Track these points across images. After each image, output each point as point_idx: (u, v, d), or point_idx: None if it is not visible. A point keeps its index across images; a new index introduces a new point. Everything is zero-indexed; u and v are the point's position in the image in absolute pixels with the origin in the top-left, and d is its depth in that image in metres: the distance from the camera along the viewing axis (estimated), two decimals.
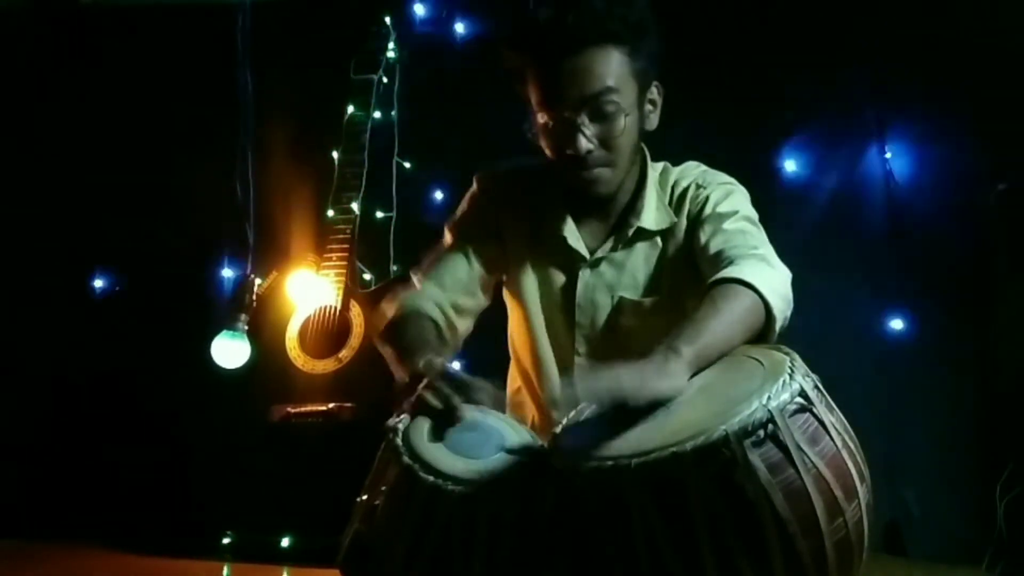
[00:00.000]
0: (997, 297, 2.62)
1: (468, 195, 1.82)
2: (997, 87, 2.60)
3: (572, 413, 1.36)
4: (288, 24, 3.13)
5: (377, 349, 1.72)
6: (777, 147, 2.85)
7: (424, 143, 3.02)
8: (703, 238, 1.61)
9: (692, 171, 1.74)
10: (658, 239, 1.70)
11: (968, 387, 2.65)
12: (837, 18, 2.78)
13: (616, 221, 1.71)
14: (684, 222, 1.68)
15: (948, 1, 2.71)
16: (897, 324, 2.73)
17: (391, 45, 3.00)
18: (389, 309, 1.72)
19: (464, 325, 1.74)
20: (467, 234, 1.76)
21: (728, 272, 1.45)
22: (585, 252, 1.70)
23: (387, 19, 3.01)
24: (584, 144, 1.55)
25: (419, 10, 3.15)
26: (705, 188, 1.67)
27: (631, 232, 1.68)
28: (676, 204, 1.70)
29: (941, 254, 2.67)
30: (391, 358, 1.64)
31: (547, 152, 1.63)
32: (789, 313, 1.47)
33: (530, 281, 1.74)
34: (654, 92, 1.66)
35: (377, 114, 2.92)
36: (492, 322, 1.86)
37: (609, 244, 1.70)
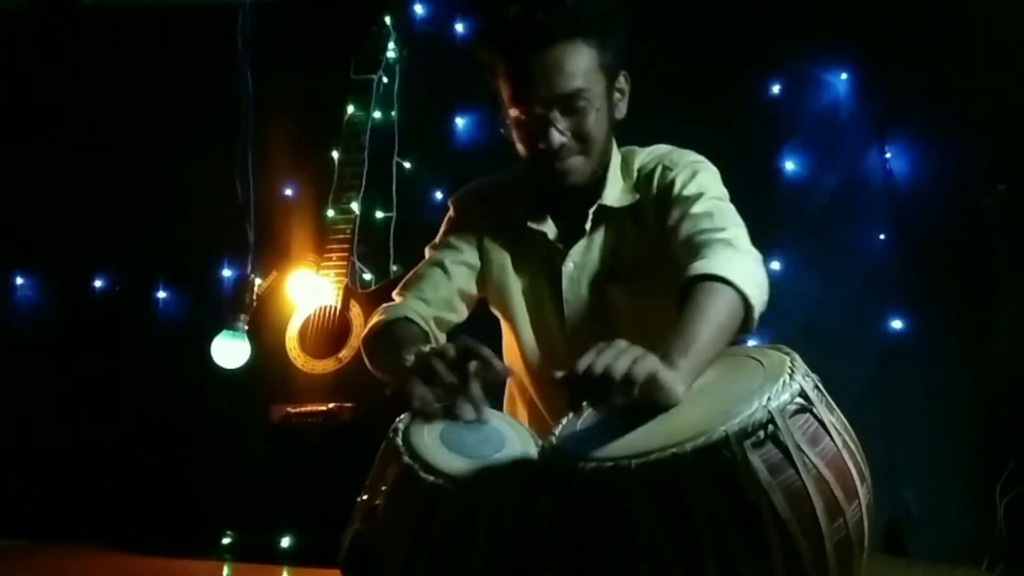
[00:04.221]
0: (997, 297, 2.62)
1: (446, 219, 1.83)
2: (997, 87, 2.60)
3: (572, 414, 1.36)
4: (288, 24, 3.13)
5: None
6: (777, 147, 2.85)
7: (424, 143, 3.02)
8: (671, 222, 1.60)
9: (658, 152, 1.73)
10: (630, 222, 1.69)
11: (968, 387, 2.65)
12: (837, 17, 2.79)
13: (578, 199, 1.71)
14: (652, 203, 1.67)
15: (948, 2, 2.71)
16: (897, 324, 2.73)
17: (391, 45, 3.00)
18: (372, 320, 1.72)
19: (443, 339, 1.74)
20: (447, 251, 1.77)
21: (700, 267, 1.43)
22: (562, 247, 1.71)
23: (387, 19, 3.01)
24: (557, 138, 1.56)
25: (419, 10, 3.16)
26: (671, 169, 1.67)
27: (592, 211, 1.68)
28: (644, 185, 1.69)
29: (941, 254, 2.67)
30: (379, 360, 1.64)
31: (518, 146, 1.64)
32: (767, 297, 1.45)
33: (515, 287, 1.76)
34: (622, 81, 1.67)
35: (377, 114, 2.92)
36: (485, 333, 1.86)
37: (580, 232, 1.70)
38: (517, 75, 1.57)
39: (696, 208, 1.58)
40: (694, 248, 1.50)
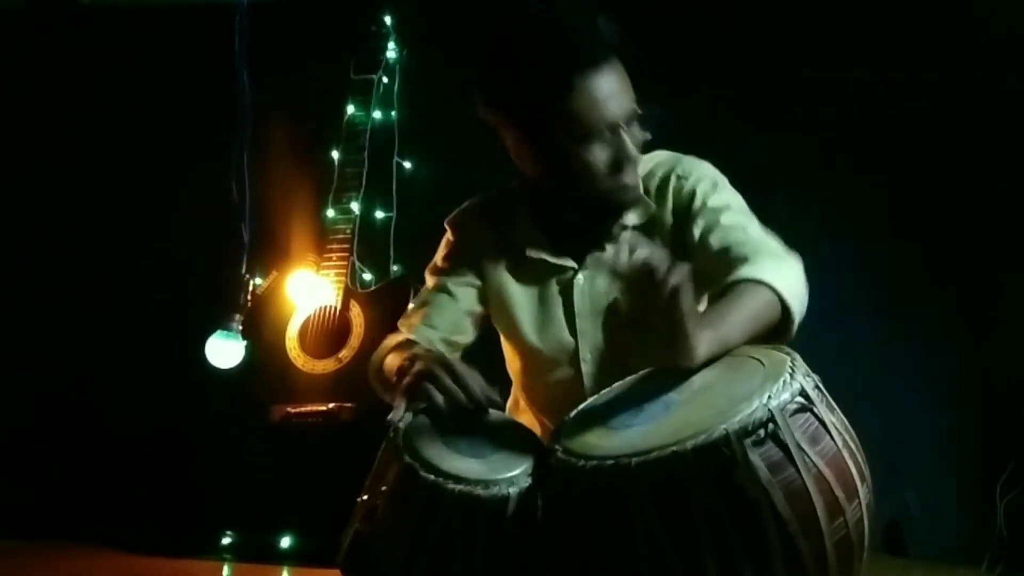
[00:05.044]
0: (997, 297, 2.62)
1: (443, 241, 1.81)
2: (997, 87, 2.61)
3: (574, 412, 1.36)
4: (287, 24, 3.13)
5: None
6: (774, 142, 2.85)
7: (424, 143, 3.02)
8: (697, 233, 1.60)
9: (665, 160, 1.72)
10: (643, 233, 1.67)
11: (968, 387, 2.65)
12: (839, 19, 2.79)
13: (601, 221, 1.69)
14: (668, 215, 1.66)
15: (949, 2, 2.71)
16: (896, 324, 2.73)
17: (391, 45, 3.00)
18: (380, 351, 1.70)
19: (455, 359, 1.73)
20: (448, 274, 1.76)
21: (747, 272, 1.45)
22: (572, 263, 1.69)
23: (387, 19, 3.01)
24: (630, 150, 1.56)
25: (419, 10, 3.16)
26: (687, 179, 1.66)
27: (618, 231, 1.67)
28: (656, 195, 1.68)
29: (941, 254, 2.67)
30: (385, 382, 1.62)
31: (574, 177, 1.58)
32: (805, 308, 1.47)
33: (520, 302, 1.73)
34: None
35: (377, 114, 2.92)
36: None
37: (596, 250, 1.69)
38: (584, 102, 1.52)
39: (726, 220, 1.58)
40: (735, 258, 1.51)
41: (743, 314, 1.38)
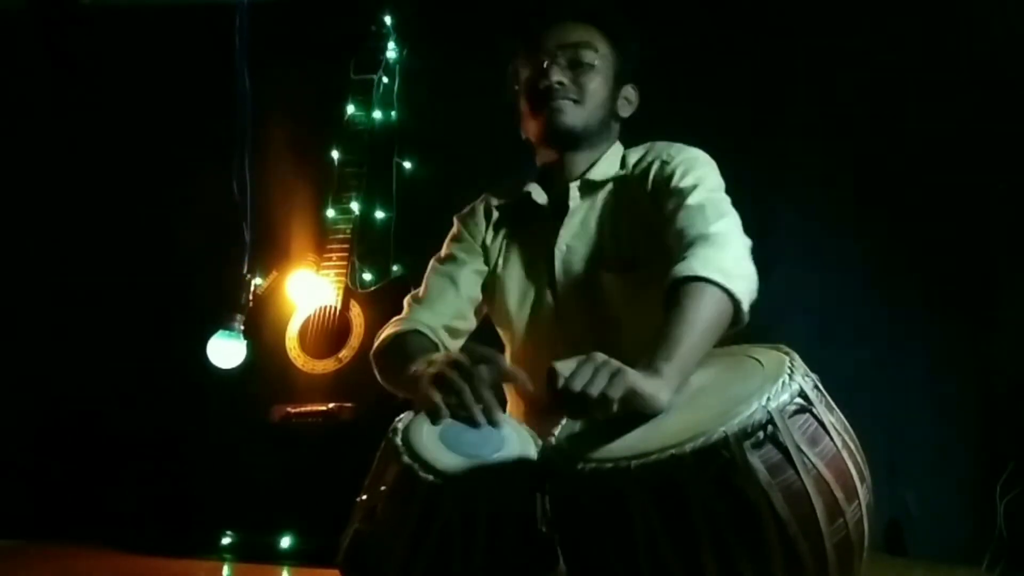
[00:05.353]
0: (997, 297, 2.62)
1: (450, 234, 1.88)
2: (998, 87, 2.60)
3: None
4: (287, 24, 3.13)
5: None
6: (774, 143, 2.85)
7: (424, 143, 3.02)
8: (666, 214, 1.62)
9: (659, 147, 1.77)
10: (620, 206, 1.73)
11: (968, 387, 2.65)
12: (837, 16, 2.79)
13: (567, 169, 1.80)
14: (643, 192, 1.71)
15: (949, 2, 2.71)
16: (896, 324, 2.73)
17: (391, 45, 3.00)
18: (382, 335, 1.76)
19: (455, 346, 1.76)
20: (452, 261, 1.82)
21: (681, 269, 1.43)
22: (554, 222, 1.75)
23: (387, 19, 3.01)
24: (556, 75, 1.70)
25: (419, 10, 3.15)
26: (669, 163, 1.70)
27: (577, 185, 1.75)
28: (640, 173, 1.73)
29: (941, 254, 2.67)
30: (390, 372, 1.66)
31: (523, 110, 1.76)
32: (755, 285, 1.46)
33: (511, 281, 1.78)
34: (630, 91, 1.81)
35: (377, 114, 2.92)
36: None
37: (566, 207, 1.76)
38: (535, 36, 1.74)
39: (690, 201, 1.59)
40: (681, 247, 1.51)
41: (695, 327, 1.35)
